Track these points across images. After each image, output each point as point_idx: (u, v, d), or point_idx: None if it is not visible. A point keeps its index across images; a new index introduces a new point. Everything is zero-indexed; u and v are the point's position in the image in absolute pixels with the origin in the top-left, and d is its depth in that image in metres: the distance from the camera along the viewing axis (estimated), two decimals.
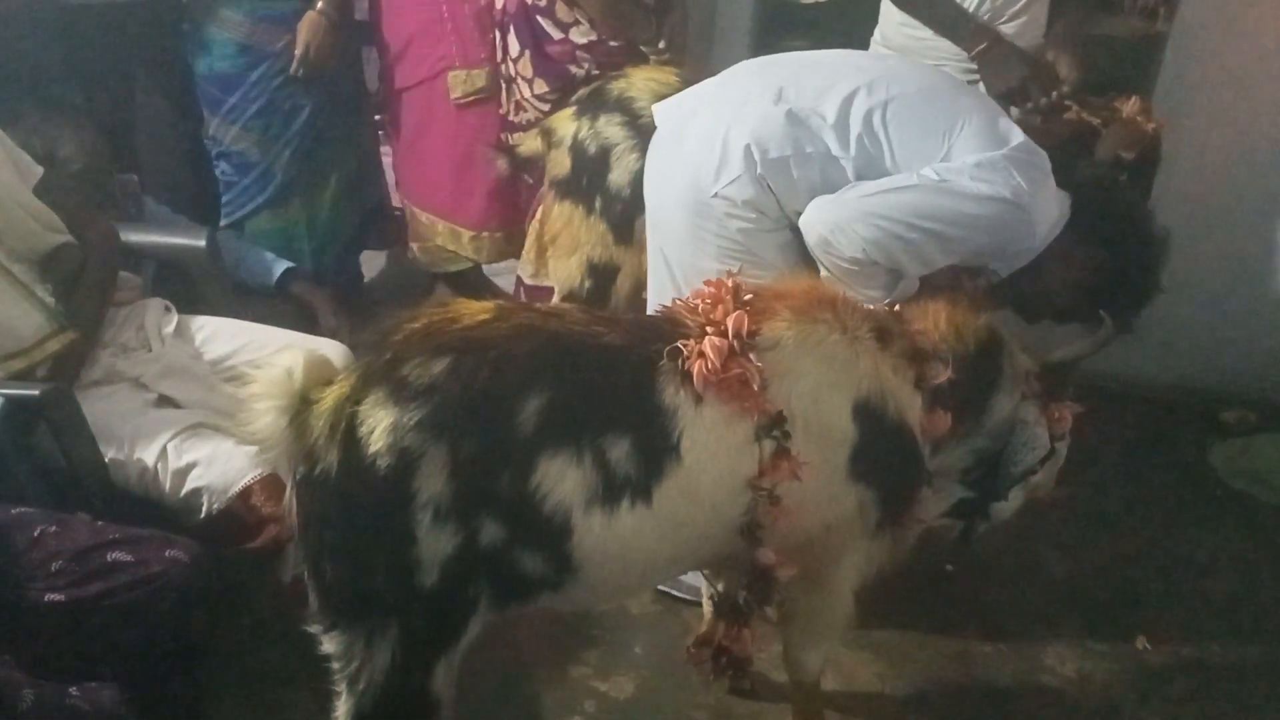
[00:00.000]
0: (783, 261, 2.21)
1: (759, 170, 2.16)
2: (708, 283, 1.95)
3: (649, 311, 2.38)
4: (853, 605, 2.12)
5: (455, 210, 3.32)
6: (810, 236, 2.13)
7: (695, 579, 2.56)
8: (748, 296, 1.90)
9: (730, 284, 1.92)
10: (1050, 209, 2.18)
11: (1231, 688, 2.58)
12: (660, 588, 2.64)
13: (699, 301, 1.91)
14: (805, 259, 2.21)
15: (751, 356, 1.82)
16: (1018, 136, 2.17)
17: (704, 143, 2.22)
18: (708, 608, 2.39)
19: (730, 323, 1.82)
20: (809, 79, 2.23)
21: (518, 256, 3.21)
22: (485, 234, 3.32)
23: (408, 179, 3.46)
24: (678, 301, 1.98)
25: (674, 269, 2.34)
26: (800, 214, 2.16)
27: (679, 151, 2.30)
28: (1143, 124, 2.62)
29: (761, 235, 2.21)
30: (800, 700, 2.31)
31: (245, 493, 2.21)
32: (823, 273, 2.17)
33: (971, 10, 2.67)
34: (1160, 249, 2.30)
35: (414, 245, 3.45)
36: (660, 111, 2.42)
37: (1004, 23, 2.69)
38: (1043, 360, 2.19)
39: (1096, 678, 2.60)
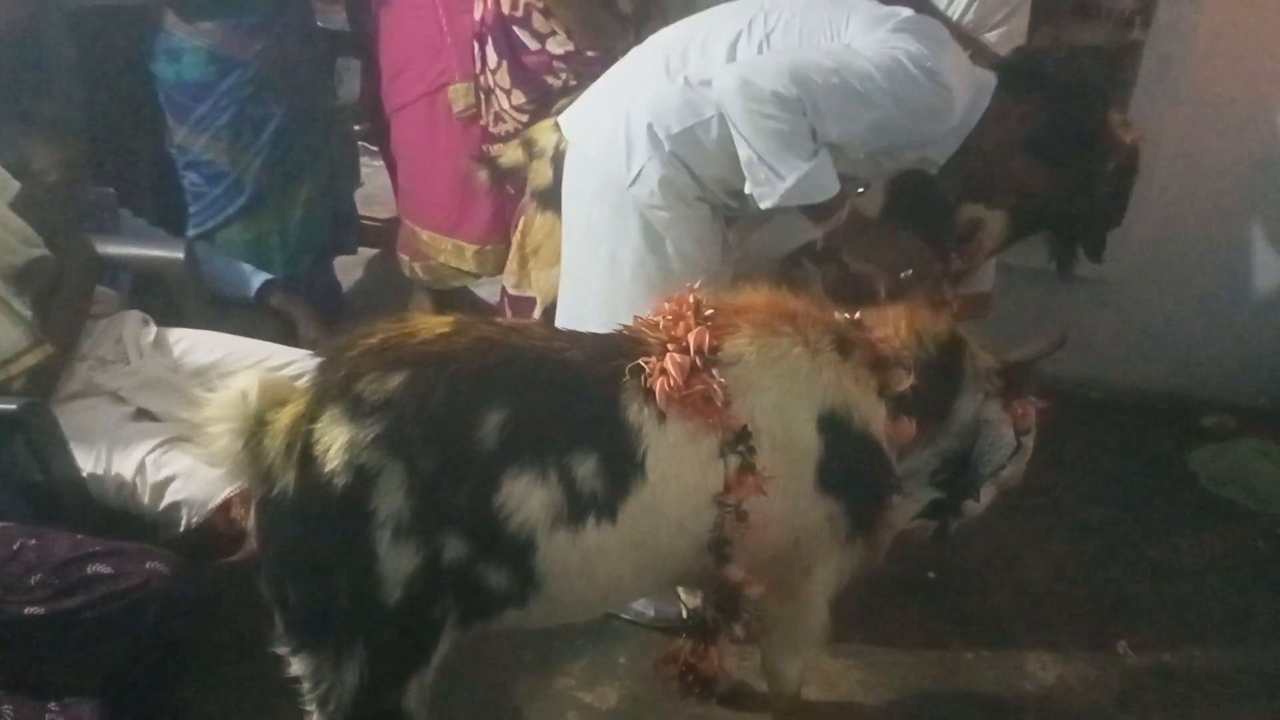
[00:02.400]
0: (702, 257, 2.23)
1: (667, 149, 2.17)
2: (668, 299, 1.94)
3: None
4: (828, 615, 2.12)
5: (459, 226, 3.29)
6: (728, 84, 2.09)
7: (643, 603, 2.57)
8: (709, 312, 1.89)
9: (691, 300, 1.91)
10: (960, 75, 2.15)
11: (1211, 693, 2.58)
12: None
13: (660, 318, 1.91)
14: (723, 256, 2.25)
15: (714, 372, 1.82)
16: (906, 11, 2.18)
17: (608, 135, 2.24)
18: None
19: (692, 339, 1.82)
20: (692, 42, 2.24)
21: None
22: (489, 247, 3.28)
23: (409, 198, 3.41)
24: (638, 318, 1.96)
25: (593, 279, 2.33)
26: (722, 181, 2.19)
27: (587, 152, 2.31)
28: (1121, 135, 2.62)
29: (681, 225, 2.23)
30: (782, 709, 2.31)
31: (224, 506, 2.22)
32: (741, 154, 2.12)
33: (955, 19, 2.68)
34: (1098, 95, 2.29)
35: (415, 264, 3.41)
36: (565, 122, 2.41)
37: (986, 32, 2.70)
38: (1003, 360, 2.18)
39: (1077, 684, 2.60)
